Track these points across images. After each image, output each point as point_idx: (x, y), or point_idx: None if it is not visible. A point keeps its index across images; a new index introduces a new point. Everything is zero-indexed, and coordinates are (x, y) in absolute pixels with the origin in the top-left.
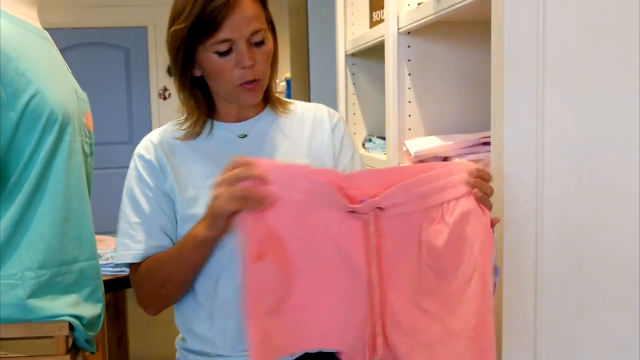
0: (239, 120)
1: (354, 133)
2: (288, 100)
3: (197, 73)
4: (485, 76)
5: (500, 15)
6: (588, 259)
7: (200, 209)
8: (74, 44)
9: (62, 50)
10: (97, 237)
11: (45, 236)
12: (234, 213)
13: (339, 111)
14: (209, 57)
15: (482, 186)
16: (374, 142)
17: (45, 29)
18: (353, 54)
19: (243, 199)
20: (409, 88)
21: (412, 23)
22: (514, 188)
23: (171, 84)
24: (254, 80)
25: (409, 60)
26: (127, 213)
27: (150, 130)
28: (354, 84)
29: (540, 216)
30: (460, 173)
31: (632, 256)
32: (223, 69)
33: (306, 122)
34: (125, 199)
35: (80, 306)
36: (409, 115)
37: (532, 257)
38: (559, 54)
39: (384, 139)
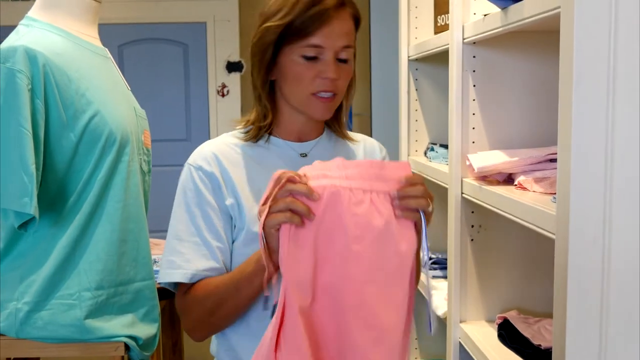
0: (299, 140)
1: (416, 140)
2: (352, 133)
3: (273, 76)
4: (555, 88)
5: (570, 29)
6: None
7: None
8: (132, 39)
9: (121, 46)
10: (153, 240)
11: (102, 257)
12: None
13: (400, 118)
14: (292, 60)
15: (408, 196)
16: (436, 152)
17: (104, 24)
18: (416, 59)
19: (289, 212)
20: (474, 100)
21: (478, 34)
22: (580, 211)
23: (230, 80)
24: (330, 95)
25: (474, 71)
26: (179, 228)
27: (208, 127)
28: (416, 89)
29: (607, 241)
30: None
31: None
32: (305, 75)
33: (359, 150)
34: (178, 211)
35: (136, 326)
36: (473, 128)
37: (599, 281)
38: (631, 70)
39: (446, 147)
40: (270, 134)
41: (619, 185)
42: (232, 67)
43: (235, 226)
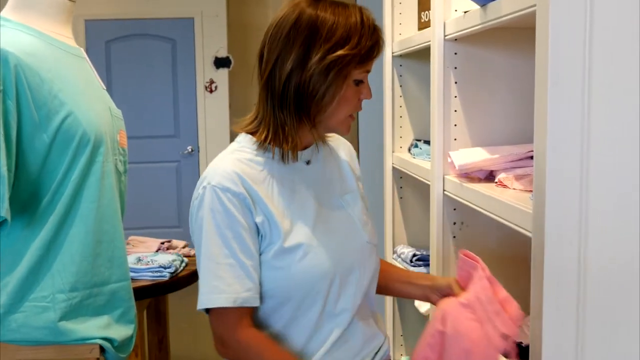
0: (304, 148)
1: (400, 137)
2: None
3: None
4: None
5: (545, 27)
6: (635, 273)
7: (299, 238)
8: (119, 35)
9: (108, 42)
10: (138, 238)
11: (76, 258)
12: None
13: (385, 114)
14: (348, 85)
15: None
16: (420, 148)
17: (91, 20)
18: (401, 55)
19: None
20: (455, 96)
21: (459, 31)
22: (556, 209)
23: (218, 76)
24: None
25: (455, 68)
26: (213, 251)
27: (196, 123)
28: (401, 85)
29: (584, 239)
30: None
31: None
32: (352, 98)
33: (341, 151)
34: (210, 235)
35: (112, 328)
36: (455, 125)
37: (575, 280)
38: (606, 67)
39: (430, 143)
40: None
41: (595, 183)
42: (220, 62)
43: (263, 240)
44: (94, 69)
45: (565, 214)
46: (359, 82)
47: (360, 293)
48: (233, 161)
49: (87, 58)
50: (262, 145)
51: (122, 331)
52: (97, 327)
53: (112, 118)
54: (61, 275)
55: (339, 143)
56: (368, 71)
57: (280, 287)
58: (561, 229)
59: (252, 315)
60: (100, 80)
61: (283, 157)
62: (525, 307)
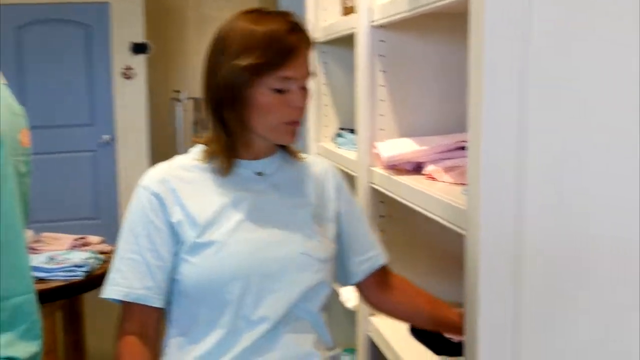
0: (255, 158)
1: (325, 126)
2: (304, 155)
3: (235, 108)
4: (466, 73)
5: (480, 14)
6: (570, 267)
7: (213, 236)
8: (31, 20)
9: (20, 28)
10: (51, 234)
11: None
12: None
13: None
14: (263, 92)
15: None
16: (345, 137)
17: (2, 5)
18: (325, 42)
19: None
20: (382, 85)
21: (386, 18)
22: (492, 202)
23: (135, 62)
24: (296, 122)
25: (382, 56)
26: (122, 247)
27: (113, 111)
28: (325, 73)
29: (519, 237)
30: None
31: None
32: (274, 106)
33: (312, 172)
34: (124, 231)
35: (16, 345)
36: (382, 115)
37: (511, 256)
38: (543, 56)
39: (355, 133)
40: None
41: (532, 179)
42: (138, 48)
43: (180, 239)
44: None
45: (501, 211)
46: (280, 90)
47: (286, 304)
48: (168, 165)
49: None
50: (206, 154)
51: (27, 348)
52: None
53: (11, 116)
54: None
55: (320, 168)
56: (287, 78)
57: (193, 284)
58: (497, 226)
59: (152, 315)
60: (2, 76)
61: (220, 166)
62: (459, 298)
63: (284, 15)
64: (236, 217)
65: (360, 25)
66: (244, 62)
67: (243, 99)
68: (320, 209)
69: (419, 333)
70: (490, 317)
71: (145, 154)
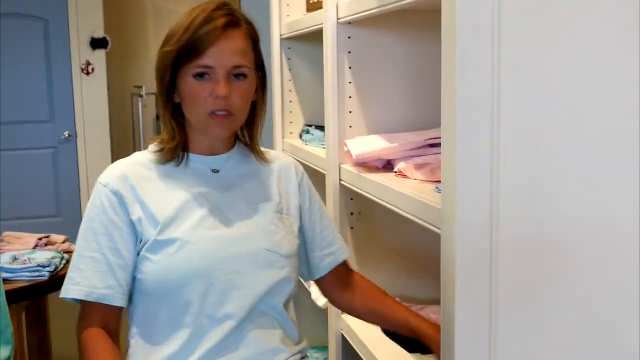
0: (211, 154)
1: (290, 122)
2: (265, 149)
3: (177, 99)
4: (435, 69)
5: (451, 9)
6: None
7: (175, 233)
8: None
9: None
10: (13, 233)
11: None
12: None
13: (274, 99)
14: (187, 81)
15: None
16: (312, 134)
17: None
18: (289, 38)
19: None
20: (350, 82)
21: (352, 15)
22: (467, 201)
23: (95, 57)
24: (225, 113)
25: (349, 52)
26: (81, 245)
27: (73, 107)
28: (290, 69)
29: (494, 227)
30: None
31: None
32: (198, 95)
33: (273, 167)
34: (82, 229)
35: None
36: (350, 112)
37: (487, 254)
38: (516, 50)
39: (322, 129)
40: (185, 149)
41: (505, 176)
42: (97, 43)
43: (140, 237)
44: None
45: (476, 210)
46: (202, 78)
47: (251, 300)
48: (126, 161)
49: None
50: (161, 151)
51: None
52: None
53: None
54: None
55: (282, 165)
56: (206, 66)
57: (154, 282)
58: (472, 225)
59: (113, 314)
60: None
61: (171, 157)
62: (430, 295)
63: (219, 7)
64: (197, 213)
65: (327, 21)
66: (164, 48)
67: (175, 90)
68: (283, 204)
69: (391, 331)
70: (467, 315)
71: (106, 150)
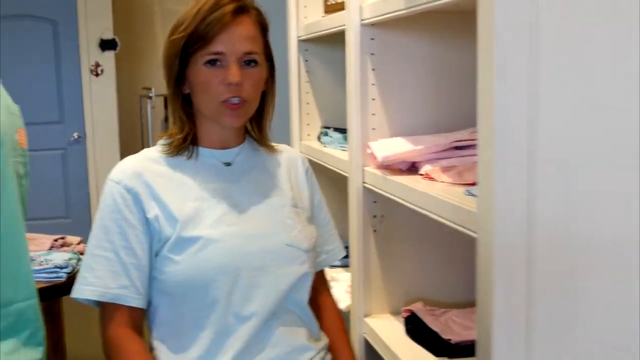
0: (222, 148)
1: (307, 124)
2: (274, 144)
3: (186, 90)
4: (460, 71)
5: (489, 10)
6: (582, 267)
7: (196, 231)
8: None
9: None
10: (30, 235)
11: None
12: None
13: (291, 101)
14: (198, 69)
15: None
16: (331, 136)
17: None
18: (306, 40)
19: None
20: (373, 84)
21: (378, 16)
22: (505, 205)
23: (104, 59)
24: (238, 101)
25: (372, 54)
26: (93, 244)
27: (82, 108)
28: (307, 71)
29: (532, 231)
30: None
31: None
32: (209, 83)
33: (281, 159)
34: (95, 227)
35: (19, 352)
36: (373, 114)
37: (524, 258)
38: (554, 51)
39: (340, 131)
40: (194, 143)
41: (543, 180)
42: (106, 45)
43: (157, 236)
44: None
45: (513, 213)
46: (213, 65)
47: (275, 297)
48: (137, 157)
49: None
50: (171, 146)
51: (30, 355)
52: (4, 353)
53: (10, 116)
54: None
55: (289, 157)
56: (217, 53)
57: (179, 282)
58: (510, 229)
59: (133, 315)
60: None
61: (179, 148)
62: (452, 298)
63: None
64: (216, 210)
65: (350, 23)
66: (173, 36)
67: (185, 81)
68: (296, 198)
69: (415, 334)
70: (504, 319)
71: (115, 151)
